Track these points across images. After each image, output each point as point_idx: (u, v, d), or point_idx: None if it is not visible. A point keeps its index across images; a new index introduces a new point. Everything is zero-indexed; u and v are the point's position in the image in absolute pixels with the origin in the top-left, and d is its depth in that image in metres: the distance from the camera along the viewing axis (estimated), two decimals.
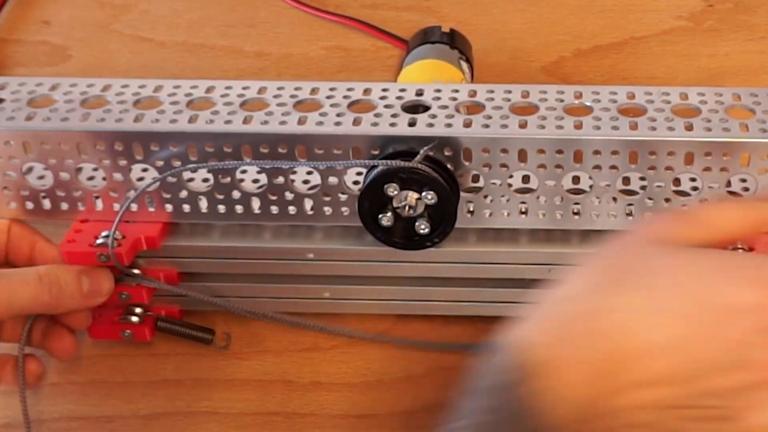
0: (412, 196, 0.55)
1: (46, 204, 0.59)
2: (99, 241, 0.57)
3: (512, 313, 0.61)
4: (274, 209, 0.58)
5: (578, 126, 0.54)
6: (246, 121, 0.55)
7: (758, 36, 0.76)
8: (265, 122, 0.55)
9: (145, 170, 0.58)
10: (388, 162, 0.54)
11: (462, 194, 0.56)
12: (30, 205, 0.59)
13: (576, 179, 0.57)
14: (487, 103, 0.56)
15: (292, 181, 0.57)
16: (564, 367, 0.41)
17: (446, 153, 0.55)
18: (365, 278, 0.60)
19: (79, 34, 0.78)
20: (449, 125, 0.55)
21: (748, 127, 0.54)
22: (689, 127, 0.54)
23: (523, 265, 0.58)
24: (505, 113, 0.55)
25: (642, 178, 0.56)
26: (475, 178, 0.56)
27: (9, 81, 0.59)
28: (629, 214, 0.57)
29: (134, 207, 0.58)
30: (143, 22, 0.79)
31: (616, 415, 0.41)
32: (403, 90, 0.58)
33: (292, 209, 0.58)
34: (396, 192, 0.54)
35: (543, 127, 0.54)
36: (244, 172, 0.58)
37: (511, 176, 0.56)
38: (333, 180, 0.56)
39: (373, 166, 0.54)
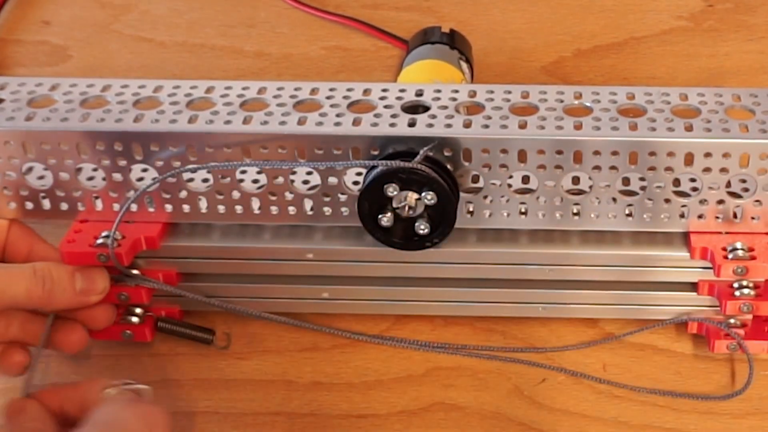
0: (412, 196, 0.55)
1: (46, 204, 0.59)
2: (99, 241, 0.57)
3: (512, 314, 0.61)
4: (274, 209, 0.58)
5: (578, 126, 0.54)
6: (246, 121, 0.55)
7: (758, 36, 0.76)
8: (265, 122, 0.55)
9: (145, 170, 0.58)
10: (388, 162, 0.54)
11: (462, 194, 0.56)
12: (30, 205, 0.59)
13: (576, 180, 0.57)
14: (487, 104, 0.56)
15: (292, 181, 0.57)
16: None
17: (446, 153, 0.55)
18: (365, 278, 0.60)
19: (79, 34, 0.78)
20: (449, 126, 0.55)
21: (747, 127, 0.54)
22: (689, 128, 0.54)
23: (523, 265, 0.58)
24: (505, 114, 0.55)
25: (642, 179, 0.56)
26: (475, 179, 0.56)
27: (9, 81, 0.59)
28: (629, 214, 0.57)
29: (134, 207, 0.58)
30: (143, 22, 0.79)
31: None
32: (402, 90, 0.58)
33: (291, 209, 0.58)
34: (396, 192, 0.54)
35: (543, 127, 0.54)
36: (243, 172, 0.58)
37: (510, 177, 0.56)
38: (333, 180, 0.56)
39: (373, 167, 0.54)
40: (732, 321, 0.59)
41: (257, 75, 0.75)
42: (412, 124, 0.55)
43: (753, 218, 0.56)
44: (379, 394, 0.60)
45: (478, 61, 0.72)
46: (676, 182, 0.56)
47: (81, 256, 0.57)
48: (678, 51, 0.75)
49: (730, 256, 0.56)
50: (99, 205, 0.58)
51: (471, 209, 0.57)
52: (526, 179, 0.57)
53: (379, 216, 0.55)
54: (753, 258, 0.56)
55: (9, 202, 0.59)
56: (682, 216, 0.57)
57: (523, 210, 0.57)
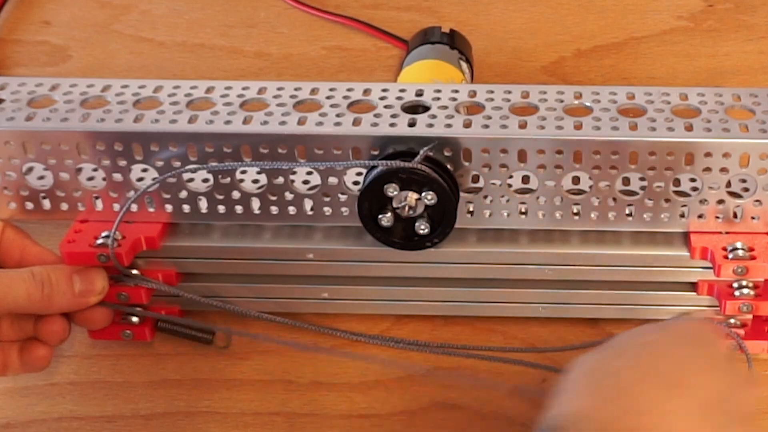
0: (412, 196, 0.55)
1: (46, 204, 0.59)
2: (99, 241, 0.57)
3: (512, 313, 0.61)
4: (274, 209, 0.58)
5: (578, 126, 0.54)
6: (246, 121, 0.55)
7: (758, 36, 0.76)
8: (265, 122, 0.55)
9: (145, 170, 0.58)
10: (388, 162, 0.54)
11: (462, 194, 0.56)
12: (30, 205, 0.59)
13: (576, 180, 0.57)
14: (487, 104, 0.56)
15: (292, 181, 0.57)
16: None
17: (446, 153, 0.55)
18: (365, 278, 0.60)
19: (79, 34, 0.78)
20: (449, 126, 0.55)
21: (747, 127, 0.54)
22: (689, 128, 0.54)
23: (523, 265, 0.58)
24: (505, 113, 0.55)
25: (642, 179, 0.56)
26: (475, 179, 0.56)
27: (9, 81, 0.59)
28: (629, 214, 0.57)
29: (134, 207, 0.58)
30: (143, 22, 0.79)
31: None
32: (402, 90, 0.58)
33: (291, 209, 0.58)
34: (396, 192, 0.54)
35: (543, 127, 0.54)
36: (243, 172, 0.58)
37: (510, 176, 0.56)
38: (333, 180, 0.56)
39: (373, 167, 0.54)
40: (732, 321, 0.59)
41: (257, 75, 0.75)
42: (412, 124, 0.55)
43: (753, 218, 0.56)
44: (379, 394, 0.60)
45: (478, 61, 0.72)
46: (676, 182, 0.56)
47: (81, 256, 0.57)
48: (678, 51, 0.75)
49: (730, 256, 0.56)
50: (99, 205, 0.58)
51: (471, 209, 0.57)
52: (526, 179, 0.57)
53: (379, 216, 0.55)
54: (753, 258, 0.56)
55: (9, 202, 0.59)
56: (682, 216, 0.57)
57: (523, 210, 0.57)
